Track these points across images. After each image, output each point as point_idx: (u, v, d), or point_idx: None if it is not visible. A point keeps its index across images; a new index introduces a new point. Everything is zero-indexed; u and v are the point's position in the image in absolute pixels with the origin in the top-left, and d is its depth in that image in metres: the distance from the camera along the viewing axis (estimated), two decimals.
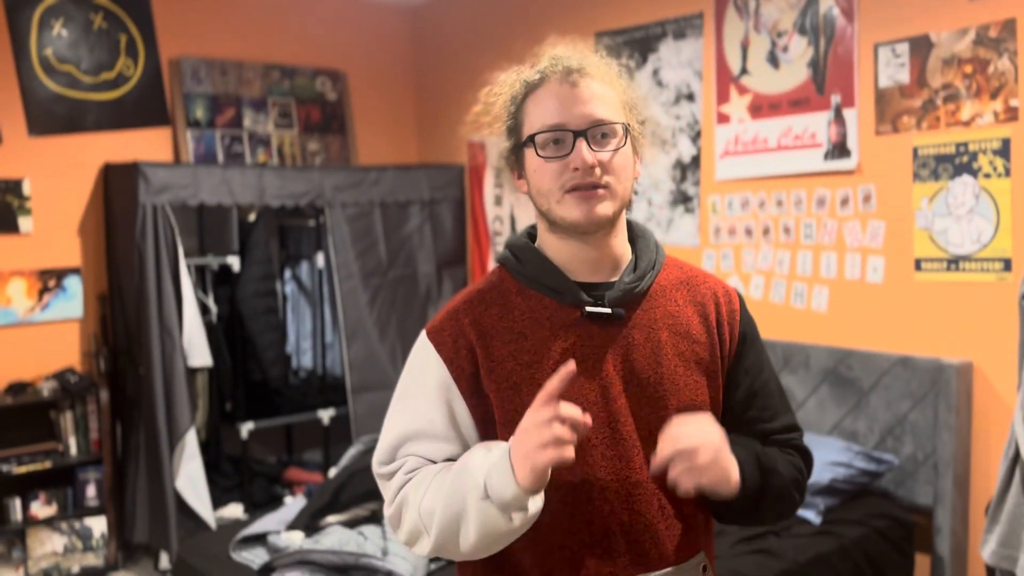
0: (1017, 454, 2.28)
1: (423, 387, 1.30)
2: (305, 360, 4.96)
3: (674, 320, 1.34)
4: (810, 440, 3.07)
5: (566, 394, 1.21)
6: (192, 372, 3.96)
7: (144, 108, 4.32)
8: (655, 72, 3.89)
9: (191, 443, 3.87)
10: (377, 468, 1.33)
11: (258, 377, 4.42)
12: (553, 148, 1.27)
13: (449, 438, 1.29)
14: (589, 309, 1.28)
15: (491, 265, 4.77)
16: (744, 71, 3.56)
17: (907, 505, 3.03)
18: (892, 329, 3.15)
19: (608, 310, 1.28)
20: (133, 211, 3.85)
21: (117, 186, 4.06)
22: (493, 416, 1.27)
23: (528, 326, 1.29)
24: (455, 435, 1.29)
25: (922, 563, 3.06)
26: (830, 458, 2.94)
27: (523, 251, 1.35)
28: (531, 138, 1.28)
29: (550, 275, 1.31)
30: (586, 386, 1.26)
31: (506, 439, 1.21)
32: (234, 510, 4.16)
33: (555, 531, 1.25)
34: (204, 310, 4.20)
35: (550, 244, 1.34)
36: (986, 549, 2.35)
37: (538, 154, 1.27)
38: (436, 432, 1.28)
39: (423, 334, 1.34)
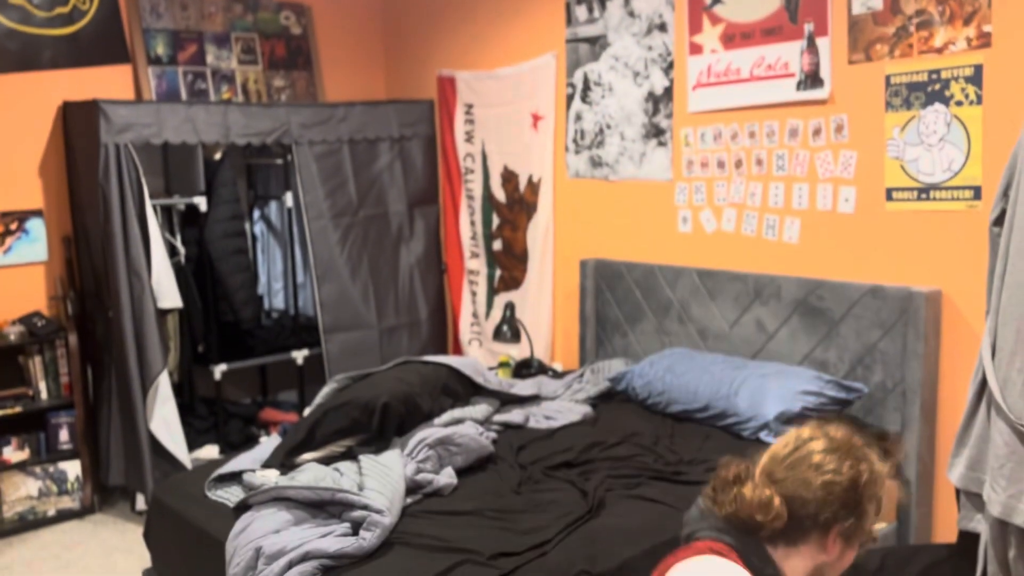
0: (985, 380, 2.32)
1: None
2: (277, 301, 4.92)
3: None
4: (781, 370, 3.10)
5: None
6: (162, 314, 3.92)
7: (102, 44, 4.19)
8: (626, 2, 3.81)
9: (164, 385, 3.85)
10: None
11: (230, 319, 4.38)
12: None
13: None
14: None
15: (466, 209, 4.73)
16: (717, 0, 3.50)
17: (876, 432, 3.08)
18: (863, 259, 3.17)
19: None
20: (95, 151, 3.75)
21: (77, 125, 3.95)
22: None
23: None
24: None
25: (890, 488, 3.12)
26: (801, 387, 2.98)
27: None
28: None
29: None
30: None
31: None
32: (209, 451, 4.16)
33: None
34: (172, 252, 4.14)
35: None
36: (954, 472, 2.40)
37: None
38: None
39: None
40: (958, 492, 2.44)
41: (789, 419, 2.92)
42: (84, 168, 3.89)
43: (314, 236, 4.35)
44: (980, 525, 2.30)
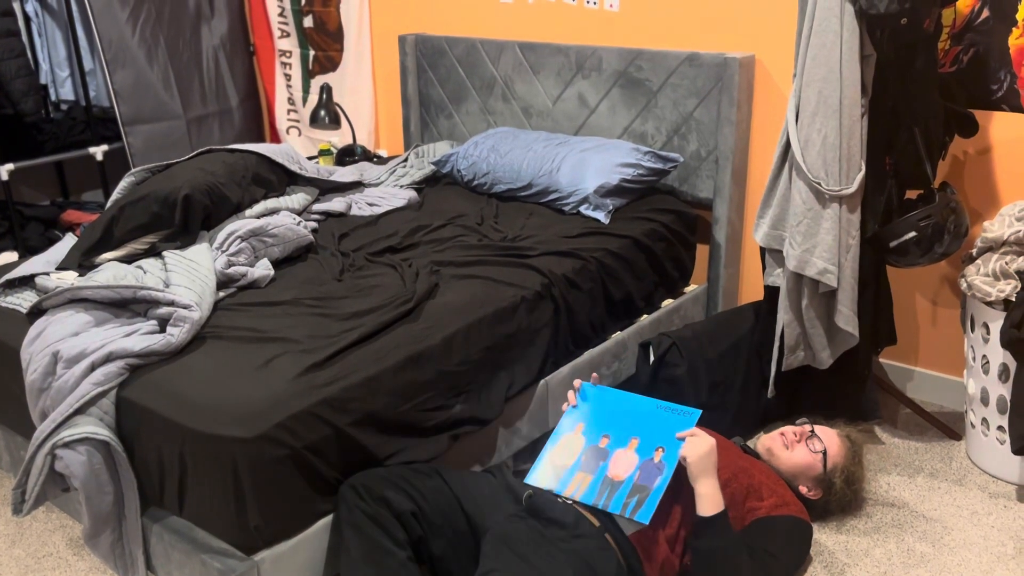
0: (789, 142, 2.38)
1: None
2: (65, 92, 4.44)
3: None
4: (601, 144, 3.09)
5: None
6: None
7: None
8: None
9: None
10: None
11: (9, 111, 3.91)
12: None
13: None
14: None
15: None
16: None
17: (690, 200, 3.18)
18: (681, 25, 3.12)
19: None
20: None
21: None
22: None
23: None
24: None
25: (702, 251, 3.27)
26: (619, 160, 2.99)
27: None
28: None
29: None
30: None
31: None
32: (8, 257, 3.85)
33: None
34: None
35: None
36: (759, 232, 2.51)
37: None
38: None
39: None
40: (763, 252, 2.57)
41: (608, 192, 2.95)
42: None
43: (98, 14, 3.86)
44: (779, 280, 2.45)
